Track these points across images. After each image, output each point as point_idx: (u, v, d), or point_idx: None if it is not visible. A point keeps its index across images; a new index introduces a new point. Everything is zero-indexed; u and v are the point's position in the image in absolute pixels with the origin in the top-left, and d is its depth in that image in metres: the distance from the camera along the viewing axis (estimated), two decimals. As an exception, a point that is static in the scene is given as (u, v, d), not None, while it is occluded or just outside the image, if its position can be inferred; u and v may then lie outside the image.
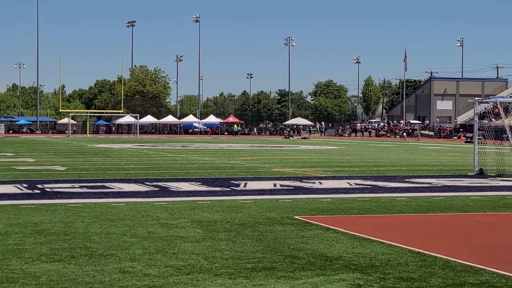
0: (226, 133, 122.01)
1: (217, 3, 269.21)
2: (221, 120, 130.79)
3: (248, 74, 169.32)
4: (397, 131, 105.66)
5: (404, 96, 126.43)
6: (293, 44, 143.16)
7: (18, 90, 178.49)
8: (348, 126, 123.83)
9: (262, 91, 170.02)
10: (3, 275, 8.22)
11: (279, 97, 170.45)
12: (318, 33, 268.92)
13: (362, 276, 8.29)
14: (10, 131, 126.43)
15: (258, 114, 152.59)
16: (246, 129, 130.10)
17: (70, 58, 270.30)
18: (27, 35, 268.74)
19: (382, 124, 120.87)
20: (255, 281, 8.01)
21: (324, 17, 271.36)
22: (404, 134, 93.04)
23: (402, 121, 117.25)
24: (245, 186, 19.74)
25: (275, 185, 20.11)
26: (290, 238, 10.85)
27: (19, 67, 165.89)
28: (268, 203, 15.44)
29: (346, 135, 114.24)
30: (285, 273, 8.44)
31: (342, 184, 20.73)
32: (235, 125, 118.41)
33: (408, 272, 8.53)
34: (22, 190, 18.10)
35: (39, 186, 19.08)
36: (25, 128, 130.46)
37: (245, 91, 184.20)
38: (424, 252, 9.72)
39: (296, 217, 13.25)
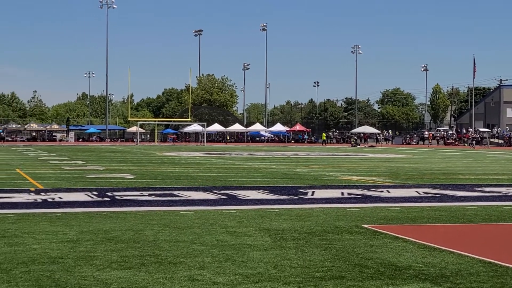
0: (292, 141, 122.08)
1: (283, 12, 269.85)
2: (287, 128, 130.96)
3: (314, 82, 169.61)
4: (465, 139, 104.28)
5: (473, 103, 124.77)
6: (360, 52, 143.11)
7: (88, 99, 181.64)
8: (415, 134, 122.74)
9: (328, 99, 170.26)
10: (75, 281, 8.35)
11: (345, 105, 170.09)
12: (385, 41, 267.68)
13: (432, 286, 8.19)
14: (80, 139, 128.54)
15: (325, 122, 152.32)
16: (312, 137, 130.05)
17: (138, 67, 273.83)
18: (96, 45, 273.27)
19: (450, 132, 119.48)
20: (324, 290, 8.00)
21: (392, 24, 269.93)
22: (473, 142, 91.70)
23: (470, 129, 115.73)
24: (312, 194, 19.69)
25: (342, 193, 20.02)
26: (359, 247, 10.78)
27: (89, 77, 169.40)
28: (336, 212, 15.38)
29: (413, 143, 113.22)
30: (354, 282, 8.40)
31: (411, 192, 20.53)
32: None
33: (479, 282, 8.40)
34: (92, 197, 18.34)
35: (109, 194, 19.32)
36: (94, 136, 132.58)
37: (311, 99, 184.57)
38: (496, 262, 9.56)
39: (365, 226, 13.17)
